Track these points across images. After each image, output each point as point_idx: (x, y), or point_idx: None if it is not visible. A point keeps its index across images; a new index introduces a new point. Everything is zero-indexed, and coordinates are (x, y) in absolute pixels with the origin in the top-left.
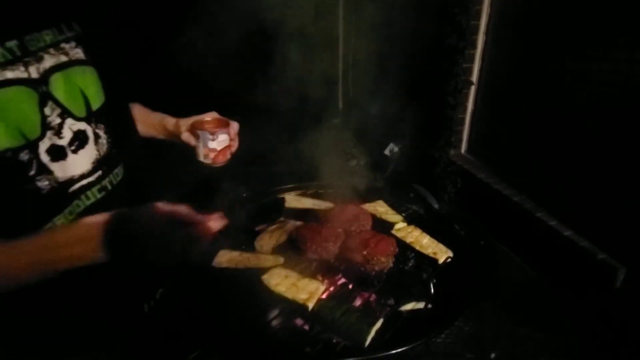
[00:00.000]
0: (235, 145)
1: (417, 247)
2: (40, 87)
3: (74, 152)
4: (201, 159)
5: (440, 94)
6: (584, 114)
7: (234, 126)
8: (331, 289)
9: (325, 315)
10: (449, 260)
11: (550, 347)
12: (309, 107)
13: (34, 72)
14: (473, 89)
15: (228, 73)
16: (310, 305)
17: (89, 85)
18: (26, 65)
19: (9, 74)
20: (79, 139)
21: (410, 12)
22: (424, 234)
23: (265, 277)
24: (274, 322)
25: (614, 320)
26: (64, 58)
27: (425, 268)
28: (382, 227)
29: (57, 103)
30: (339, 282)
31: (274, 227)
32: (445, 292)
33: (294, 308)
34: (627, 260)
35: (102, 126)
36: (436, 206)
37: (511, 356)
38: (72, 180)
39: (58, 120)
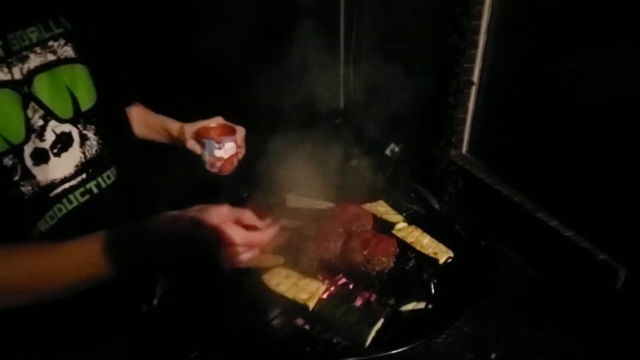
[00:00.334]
0: (242, 152)
1: (418, 247)
2: (22, 89)
3: (56, 155)
4: (207, 167)
5: (442, 94)
6: (584, 114)
7: (241, 132)
8: (332, 289)
9: (326, 315)
10: (450, 260)
11: (551, 348)
12: (310, 107)
13: (17, 73)
14: (474, 89)
15: (228, 73)
16: (311, 305)
17: (78, 85)
18: (9, 66)
19: None
20: (62, 142)
21: (412, 13)
22: (425, 234)
23: (266, 277)
24: (275, 322)
25: (614, 320)
26: (51, 57)
27: (426, 268)
28: (383, 227)
29: (40, 104)
30: (340, 282)
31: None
32: (446, 292)
33: (295, 308)
34: (628, 261)
35: (92, 127)
36: (437, 206)
37: (511, 356)
38: (53, 184)
39: (40, 123)
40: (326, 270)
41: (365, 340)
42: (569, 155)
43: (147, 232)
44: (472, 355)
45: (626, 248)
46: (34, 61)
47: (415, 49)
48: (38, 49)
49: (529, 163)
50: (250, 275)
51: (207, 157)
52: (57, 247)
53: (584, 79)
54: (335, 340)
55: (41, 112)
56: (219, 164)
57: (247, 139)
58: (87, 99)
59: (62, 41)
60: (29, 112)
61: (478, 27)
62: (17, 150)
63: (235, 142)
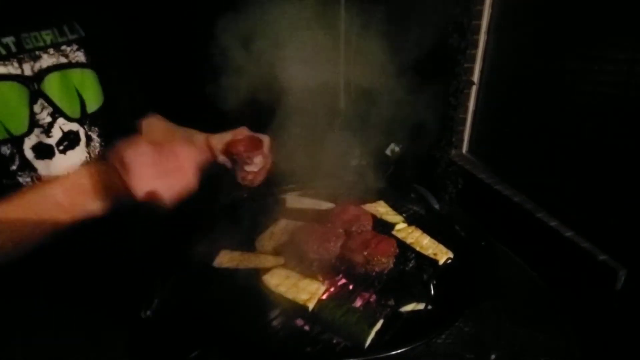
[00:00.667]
0: (269, 162)
1: (418, 248)
2: (32, 85)
3: (62, 152)
4: (239, 180)
5: (442, 94)
6: (585, 114)
7: (267, 142)
8: (332, 289)
9: (326, 316)
10: (450, 261)
11: (551, 348)
12: (310, 107)
13: (27, 69)
14: (474, 89)
15: (228, 72)
16: (311, 305)
17: (86, 87)
18: (20, 62)
19: (1, 69)
20: (69, 140)
21: (412, 12)
22: (425, 235)
23: (266, 278)
24: (275, 322)
25: (614, 321)
26: (63, 59)
27: (426, 269)
28: (383, 227)
29: (49, 102)
30: (340, 283)
31: (274, 227)
32: (446, 292)
33: (295, 308)
34: (628, 262)
35: (96, 129)
36: (437, 206)
37: (511, 357)
38: None
39: (48, 119)
40: (326, 270)
41: (365, 340)
42: (569, 155)
43: None
44: (472, 355)
45: (626, 249)
46: (46, 61)
47: (416, 49)
48: (51, 51)
49: (529, 163)
50: (251, 276)
51: (238, 172)
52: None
53: (584, 78)
54: (335, 341)
55: (50, 109)
56: (249, 177)
57: None
58: (93, 102)
59: (75, 46)
60: (36, 108)
61: (478, 27)
62: (16, 141)
63: (263, 154)
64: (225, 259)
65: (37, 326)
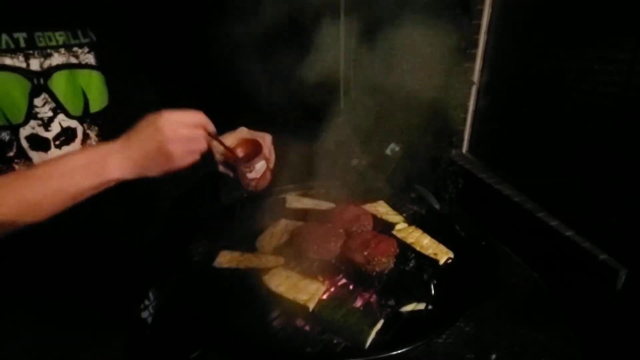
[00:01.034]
0: (272, 161)
1: (418, 248)
2: (36, 79)
3: (58, 147)
4: (243, 187)
5: (442, 94)
6: (585, 113)
7: (267, 142)
8: (332, 289)
9: (326, 316)
10: (450, 260)
11: (551, 348)
12: (311, 107)
13: (35, 64)
14: (474, 88)
15: (228, 71)
16: (311, 306)
17: (92, 88)
18: (27, 57)
19: (7, 61)
20: (66, 135)
21: (412, 11)
22: (425, 235)
23: (266, 278)
24: (275, 323)
25: (614, 321)
26: (73, 60)
27: (426, 269)
28: (383, 227)
29: (53, 98)
30: (340, 283)
31: (275, 227)
32: (446, 292)
33: (295, 309)
34: (629, 262)
35: (96, 128)
36: (437, 206)
37: (512, 357)
38: None
39: (49, 114)
40: (326, 270)
41: (366, 341)
42: (569, 155)
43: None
44: (473, 355)
45: (627, 248)
46: (56, 59)
47: (416, 49)
48: (62, 50)
49: (530, 163)
50: (251, 276)
51: (240, 179)
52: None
53: (584, 78)
54: (335, 341)
55: (52, 104)
56: (253, 183)
57: None
58: (97, 102)
59: (86, 49)
60: (38, 102)
61: (478, 27)
62: (13, 129)
63: (265, 158)
64: (226, 259)
65: (38, 326)
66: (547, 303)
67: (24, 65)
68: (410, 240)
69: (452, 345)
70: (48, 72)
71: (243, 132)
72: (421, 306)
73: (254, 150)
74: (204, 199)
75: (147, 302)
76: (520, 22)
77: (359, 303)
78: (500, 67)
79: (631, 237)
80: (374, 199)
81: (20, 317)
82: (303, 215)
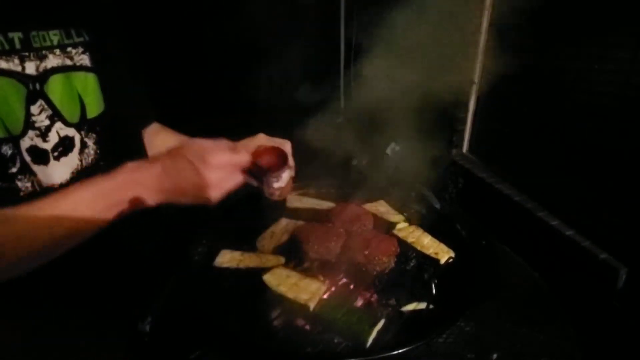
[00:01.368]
0: (293, 169)
1: (419, 247)
2: (32, 84)
3: (56, 158)
4: (266, 195)
5: (442, 93)
6: (586, 113)
7: (288, 149)
8: (332, 289)
9: (327, 316)
10: (451, 260)
11: (552, 348)
12: (311, 106)
13: (31, 67)
14: (474, 87)
15: (229, 71)
16: (312, 305)
17: (88, 92)
18: (22, 60)
19: (3, 64)
20: (64, 145)
21: (412, 10)
22: (426, 234)
23: (267, 277)
24: (275, 322)
25: (615, 320)
26: (68, 62)
27: (427, 268)
28: (384, 227)
29: (50, 104)
30: (341, 282)
31: (275, 227)
32: (447, 292)
33: (295, 308)
34: (629, 261)
35: (94, 136)
36: (437, 206)
37: (512, 356)
38: (51, 189)
39: (46, 123)
40: (327, 270)
41: (366, 340)
42: (570, 154)
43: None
44: (473, 355)
45: (627, 247)
46: (51, 61)
47: (416, 48)
48: (57, 51)
49: (530, 162)
50: (251, 276)
51: (265, 189)
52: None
53: (585, 77)
54: (336, 341)
55: (49, 111)
56: (277, 193)
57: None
58: (94, 107)
59: (80, 49)
60: (34, 109)
61: (479, 26)
62: (15, 142)
63: (290, 167)
64: (226, 259)
65: (38, 326)
66: (547, 302)
67: (19, 68)
68: (411, 239)
69: (453, 344)
70: (44, 76)
71: (262, 139)
72: (422, 306)
73: (280, 159)
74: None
75: (143, 315)
76: (520, 21)
77: (359, 302)
78: (500, 66)
79: (632, 236)
80: (375, 199)
81: (21, 317)
82: (304, 214)
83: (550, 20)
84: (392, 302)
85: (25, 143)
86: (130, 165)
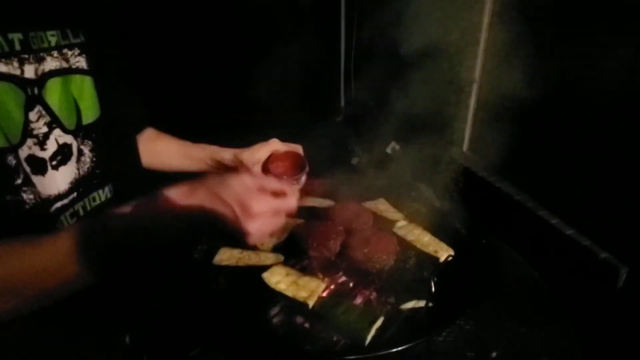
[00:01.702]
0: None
1: (418, 246)
2: (30, 89)
3: (54, 167)
4: None
5: (443, 92)
6: (586, 111)
7: (301, 152)
8: (332, 287)
9: (326, 313)
10: (450, 258)
11: (552, 347)
12: (311, 105)
13: (30, 71)
14: (475, 86)
15: (229, 71)
16: (311, 303)
17: (84, 97)
18: (22, 62)
19: (2, 67)
20: (63, 154)
21: (413, 9)
22: (425, 232)
23: (266, 275)
24: (275, 320)
25: (615, 319)
26: (64, 64)
27: (426, 266)
28: (383, 225)
29: (48, 110)
30: (340, 280)
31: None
32: (446, 290)
33: (295, 306)
34: (629, 260)
35: (90, 143)
36: (437, 204)
37: (512, 355)
38: (49, 200)
39: (44, 130)
40: (326, 268)
41: (365, 338)
42: (570, 153)
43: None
44: (473, 353)
45: (628, 247)
46: (49, 64)
47: (416, 46)
48: (55, 53)
49: (531, 161)
50: (250, 274)
51: None
52: (25, 245)
53: (585, 75)
54: (335, 339)
55: (47, 118)
56: None
57: (248, 137)
58: (90, 113)
59: (76, 51)
60: (32, 115)
61: (479, 24)
62: (15, 151)
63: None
64: (225, 257)
65: (40, 326)
66: (547, 301)
67: (18, 72)
68: (410, 237)
69: (452, 343)
70: (42, 80)
71: (277, 144)
72: (421, 304)
73: (298, 162)
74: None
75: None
76: (521, 19)
77: (358, 300)
78: (501, 65)
79: (632, 236)
80: (375, 197)
81: (23, 317)
82: (304, 213)
83: (551, 18)
84: (392, 300)
85: (23, 152)
86: (164, 197)
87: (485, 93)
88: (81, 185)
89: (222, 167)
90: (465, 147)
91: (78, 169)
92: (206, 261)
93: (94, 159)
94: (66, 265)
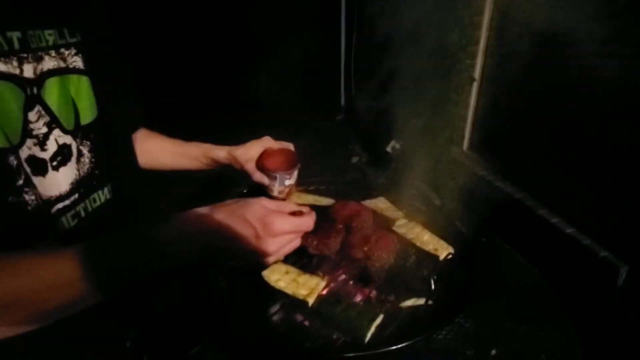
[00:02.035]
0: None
1: (418, 244)
2: (30, 89)
3: (55, 168)
4: (275, 194)
5: (443, 91)
6: (587, 110)
7: (292, 149)
8: (332, 285)
9: (326, 311)
10: (450, 256)
11: (552, 345)
12: (311, 105)
13: (29, 70)
14: (475, 85)
15: (228, 71)
16: (311, 301)
17: (81, 97)
18: (21, 61)
19: (1, 67)
20: (63, 154)
21: (413, 8)
22: (425, 231)
23: (266, 273)
24: (275, 318)
25: (615, 318)
26: (62, 64)
27: (426, 264)
28: (383, 223)
29: (48, 110)
30: (340, 278)
31: None
32: (446, 288)
33: (295, 304)
34: (629, 258)
35: (88, 143)
36: (437, 203)
37: (512, 353)
38: (50, 202)
39: (44, 130)
40: (326, 266)
41: (365, 336)
42: (571, 152)
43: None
44: (472, 351)
45: (628, 245)
46: (47, 63)
47: (417, 45)
48: (53, 53)
49: (531, 160)
50: (250, 271)
51: (276, 188)
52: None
53: (586, 75)
54: (334, 336)
55: (47, 118)
56: (287, 190)
57: (248, 137)
58: (88, 113)
59: (73, 50)
60: (31, 116)
61: (480, 22)
62: (16, 152)
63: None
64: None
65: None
66: (547, 300)
67: (17, 71)
68: (410, 236)
69: (452, 341)
70: (41, 79)
71: (270, 142)
72: (421, 301)
73: (290, 158)
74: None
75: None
76: (522, 17)
77: (358, 298)
78: (501, 64)
79: (632, 235)
80: (375, 195)
81: None
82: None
83: (552, 16)
84: (391, 298)
85: (24, 153)
86: (183, 219)
87: (486, 91)
88: (82, 186)
89: (217, 165)
90: (465, 145)
91: (78, 170)
92: (207, 259)
93: (93, 160)
94: (74, 284)
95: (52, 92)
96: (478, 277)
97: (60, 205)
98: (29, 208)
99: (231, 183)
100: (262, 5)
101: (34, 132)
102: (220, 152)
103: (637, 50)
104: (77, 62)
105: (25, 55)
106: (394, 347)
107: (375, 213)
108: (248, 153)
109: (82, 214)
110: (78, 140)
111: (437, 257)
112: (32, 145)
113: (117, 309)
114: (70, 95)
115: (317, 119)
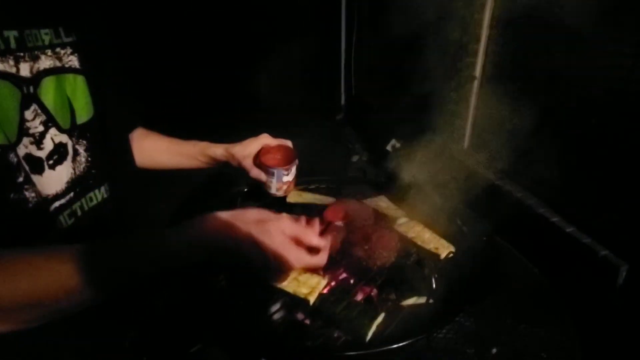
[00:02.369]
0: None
1: (419, 242)
2: (26, 87)
3: (51, 167)
4: (273, 191)
5: (443, 89)
6: (587, 109)
7: (290, 146)
8: (332, 283)
9: (327, 310)
10: (451, 255)
11: (552, 344)
12: (311, 104)
13: (25, 69)
14: (476, 83)
15: (228, 71)
16: (312, 299)
17: (78, 96)
18: (17, 60)
19: None
20: (59, 153)
21: (413, 7)
22: (426, 229)
23: None
24: (275, 316)
25: (615, 317)
26: (58, 63)
27: (427, 263)
28: (384, 222)
29: (44, 109)
30: (341, 277)
31: None
32: (447, 287)
33: (295, 302)
34: (629, 257)
35: (84, 142)
36: (438, 202)
37: (512, 352)
38: (48, 200)
39: (40, 129)
40: (327, 264)
41: (366, 334)
42: (571, 151)
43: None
44: (473, 350)
45: (628, 244)
46: (44, 63)
47: (417, 44)
48: (49, 52)
49: (531, 159)
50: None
51: (274, 184)
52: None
53: (586, 73)
54: (335, 335)
55: (43, 117)
56: (285, 187)
57: (248, 136)
58: (84, 112)
59: (69, 50)
60: (28, 114)
61: (480, 21)
62: (14, 150)
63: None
64: None
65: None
66: (547, 299)
67: (14, 70)
68: (411, 234)
69: (453, 339)
70: (37, 78)
71: (267, 139)
72: (422, 300)
73: (288, 154)
74: (204, 196)
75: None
76: (522, 16)
77: (359, 297)
78: (502, 62)
79: (632, 234)
80: (375, 194)
81: None
82: (304, 210)
83: (553, 16)
84: (392, 296)
85: (21, 151)
86: (209, 225)
87: (486, 90)
88: (78, 185)
89: (214, 163)
90: (465, 144)
91: (74, 169)
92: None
93: (89, 159)
94: (74, 284)
95: (48, 91)
96: (479, 276)
97: (57, 204)
98: (30, 205)
99: (230, 182)
100: (262, 4)
101: (31, 131)
102: (218, 150)
103: (637, 50)
104: (73, 61)
105: (21, 54)
106: (394, 346)
107: (376, 212)
108: (245, 150)
109: (79, 212)
110: (74, 139)
111: (438, 255)
112: (28, 144)
113: (117, 309)
114: (66, 95)
115: (317, 118)
